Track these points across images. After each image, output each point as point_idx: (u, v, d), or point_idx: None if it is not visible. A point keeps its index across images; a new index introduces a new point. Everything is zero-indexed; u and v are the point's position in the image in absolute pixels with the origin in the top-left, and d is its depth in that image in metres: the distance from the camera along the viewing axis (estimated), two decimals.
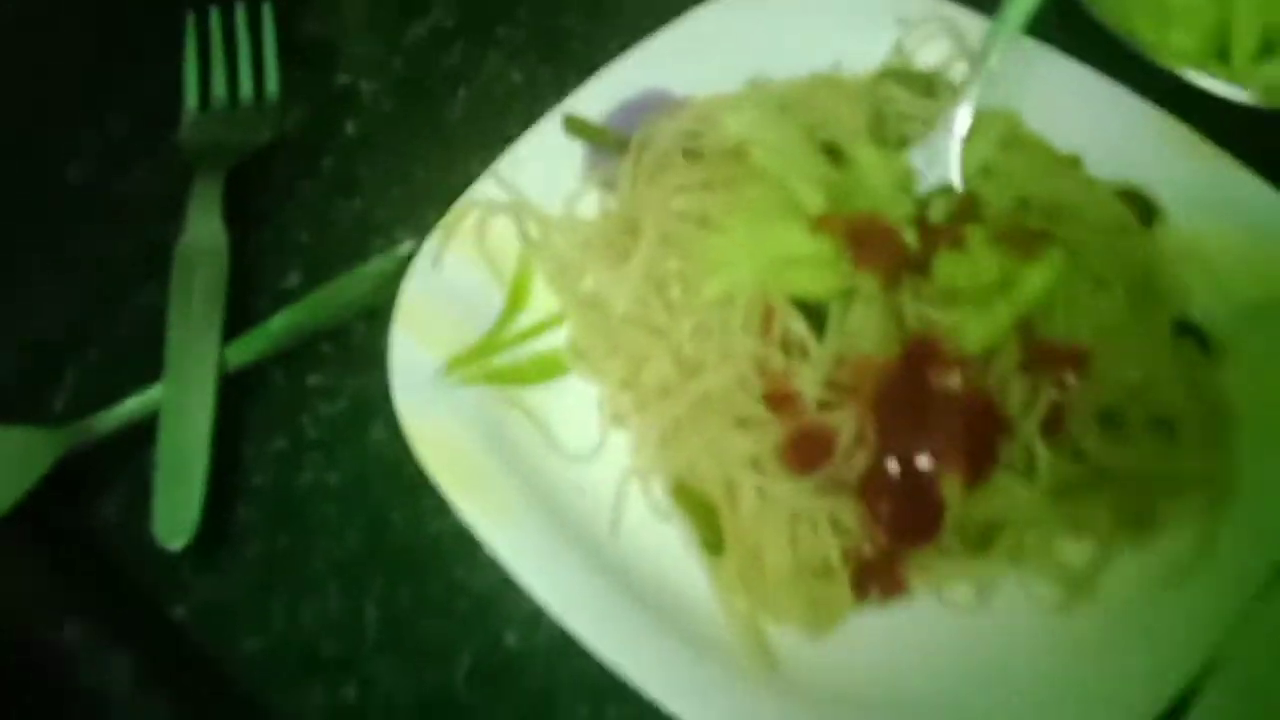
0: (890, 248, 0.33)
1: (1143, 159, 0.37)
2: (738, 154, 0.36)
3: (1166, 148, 0.37)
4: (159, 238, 0.41)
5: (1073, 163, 0.37)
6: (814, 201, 0.34)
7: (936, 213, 0.34)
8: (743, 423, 0.33)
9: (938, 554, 0.32)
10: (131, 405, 0.37)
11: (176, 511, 0.35)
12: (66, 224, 0.43)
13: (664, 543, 0.34)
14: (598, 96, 0.40)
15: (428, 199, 0.40)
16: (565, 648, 0.32)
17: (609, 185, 0.39)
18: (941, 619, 0.32)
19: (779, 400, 0.32)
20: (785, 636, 0.32)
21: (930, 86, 0.38)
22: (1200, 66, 0.39)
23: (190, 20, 0.46)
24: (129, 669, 0.33)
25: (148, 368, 0.38)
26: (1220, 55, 0.40)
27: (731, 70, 0.40)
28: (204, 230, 0.41)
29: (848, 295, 0.32)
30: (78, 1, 0.49)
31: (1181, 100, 0.39)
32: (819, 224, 0.33)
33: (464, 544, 0.34)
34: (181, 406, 0.37)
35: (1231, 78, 0.39)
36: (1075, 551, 0.32)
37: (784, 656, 0.32)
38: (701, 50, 0.41)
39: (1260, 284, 0.35)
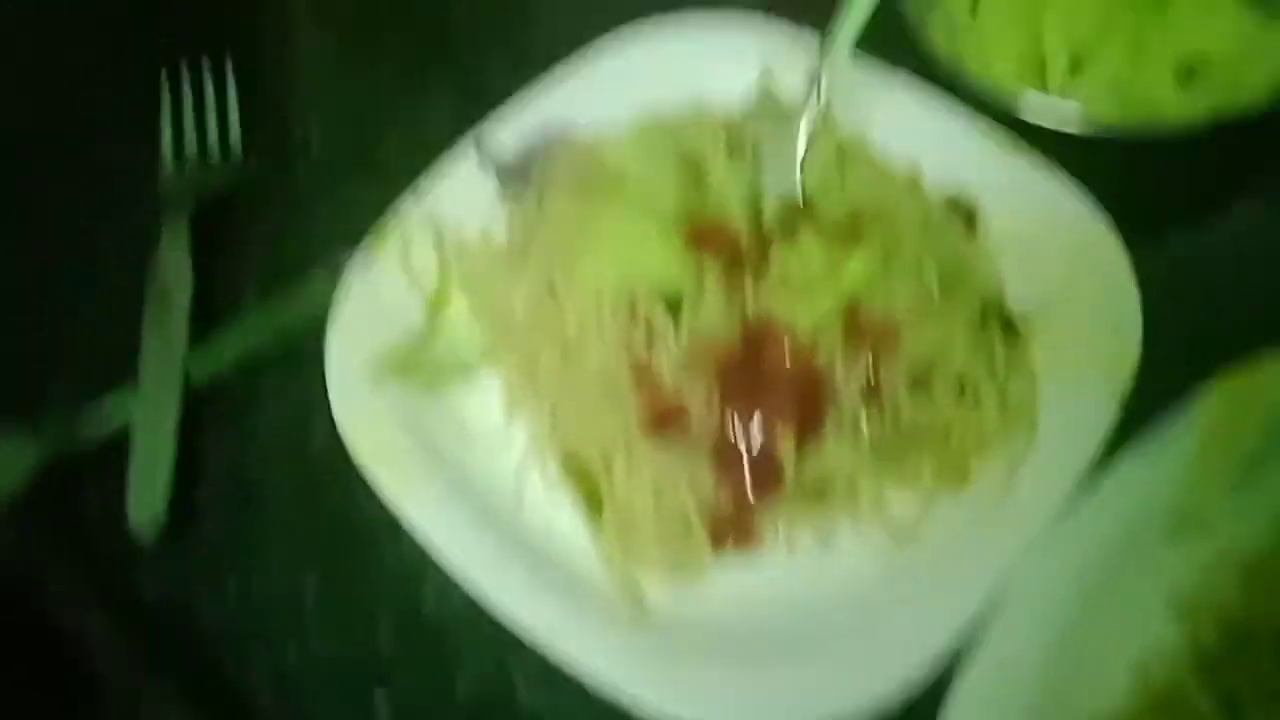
0: (727, 246, 0.39)
1: (970, 167, 0.43)
2: (616, 178, 0.42)
3: (991, 157, 0.43)
4: (136, 269, 0.47)
5: (909, 174, 0.43)
6: (671, 211, 0.40)
7: (771, 218, 0.40)
8: (613, 399, 0.38)
9: (782, 507, 0.38)
10: (108, 416, 0.44)
11: (147, 502, 0.41)
12: (54, 257, 0.50)
13: (559, 511, 0.39)
14: (508, 128, 0.47)
15: (365, 230, 0.46)
16: (474, 611, 0.38)
17: (517, 202, 0.46)
18: (789, 564, 0.38)
19: (643, 375, 0.38)
20: (659, 587, 0.38)
21: (785, 112, 0.44)
22: (1024, 86, 0.45)
23: (165, 86, 0.53)
24: (105, 624, 0.39)
25: (125, 378, 0.44)
26: (1040, 75, 0.46)
27: (622, 100, 0.46)
28: (173, 262, 0.48)
29: (698, 287, 0.39)
30: (67, 68, 0.56)
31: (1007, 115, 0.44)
32: (672, 228, 0.39)
33: (389, 524, 0.40)
34: (151, 418, 0.43)
35: (1053, 93, 0.45)
36: (902, 501, 0.38)
37: (658, 603, 0.37)
38: (596, 85, 0.47)
39: (1063, 266, 0.40)
